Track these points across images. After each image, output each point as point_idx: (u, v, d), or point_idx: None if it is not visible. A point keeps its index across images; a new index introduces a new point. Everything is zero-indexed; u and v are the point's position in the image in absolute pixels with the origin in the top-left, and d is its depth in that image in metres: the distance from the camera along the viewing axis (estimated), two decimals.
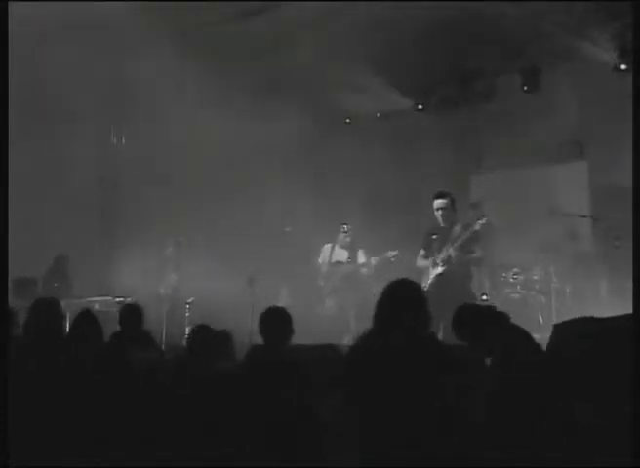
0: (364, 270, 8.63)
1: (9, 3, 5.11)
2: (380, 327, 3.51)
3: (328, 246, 8.97)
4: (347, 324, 8.34)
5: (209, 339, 4.42)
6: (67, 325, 5.60)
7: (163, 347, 6.64)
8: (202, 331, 4.54)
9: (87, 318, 4.67)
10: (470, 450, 3.22)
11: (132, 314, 5.27)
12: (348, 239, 8.82)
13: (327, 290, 8.84)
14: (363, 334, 3.60)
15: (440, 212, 6.85)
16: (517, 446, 3.33)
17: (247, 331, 6.25)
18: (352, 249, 8.81)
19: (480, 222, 6.71)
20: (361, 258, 8.74)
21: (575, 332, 3.73)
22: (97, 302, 8.19)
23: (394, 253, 8.26)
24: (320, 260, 8.99)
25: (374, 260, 8.51)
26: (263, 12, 8.24)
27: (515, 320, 4.04)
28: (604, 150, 8.95)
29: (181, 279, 9.06)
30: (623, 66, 8.83)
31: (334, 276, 8.80)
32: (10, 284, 5.65)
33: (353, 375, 3.49)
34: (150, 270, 9.19)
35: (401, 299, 3.54)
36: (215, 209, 9.63)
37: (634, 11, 5.37)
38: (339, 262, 8.83)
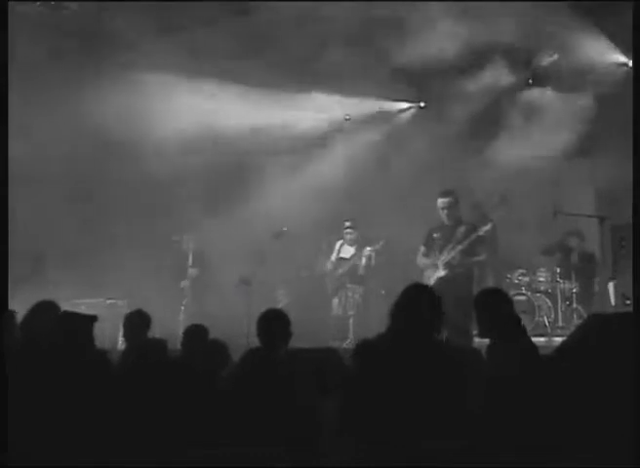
0: (363, 262, 8.54)
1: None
2: (397, 329, 3.56)
3: (339, 243, 8.88)
4: (348, 325, 8.27)
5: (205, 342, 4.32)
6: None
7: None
8: (197, 332, 4.45)
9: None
10: (479, 453, 3.19)
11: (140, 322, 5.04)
12: (353, 236, 8.74)
13: (332, 288, 8.76)
14: (378, 335, 3.66)
15: (445, 211, 6.87)
16: (524, 448, 3.29)
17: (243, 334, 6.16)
18: (359, 245, 8.70)
19: (485, 228, 6.75)
20: (366, 253, 8.65)
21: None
22: (84, 304, 8.00)
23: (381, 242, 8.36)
24: (332, 258, 8.89)
25: (367, 251, 8.48)
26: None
27: None
28: (609, 149, 8.84)
29: (202, 273, 8.85)
30: (625, 68, 8.80)
31: (337, 274, 8.71)
32: None
33: (364, 375, 3.52)
34: (165, 269, 8.99)
35: (419, 304, 3.60)
36: (214, 208, 9.52)
37: (634, 11, 5.38)
38: (342, 259, 8.74)
